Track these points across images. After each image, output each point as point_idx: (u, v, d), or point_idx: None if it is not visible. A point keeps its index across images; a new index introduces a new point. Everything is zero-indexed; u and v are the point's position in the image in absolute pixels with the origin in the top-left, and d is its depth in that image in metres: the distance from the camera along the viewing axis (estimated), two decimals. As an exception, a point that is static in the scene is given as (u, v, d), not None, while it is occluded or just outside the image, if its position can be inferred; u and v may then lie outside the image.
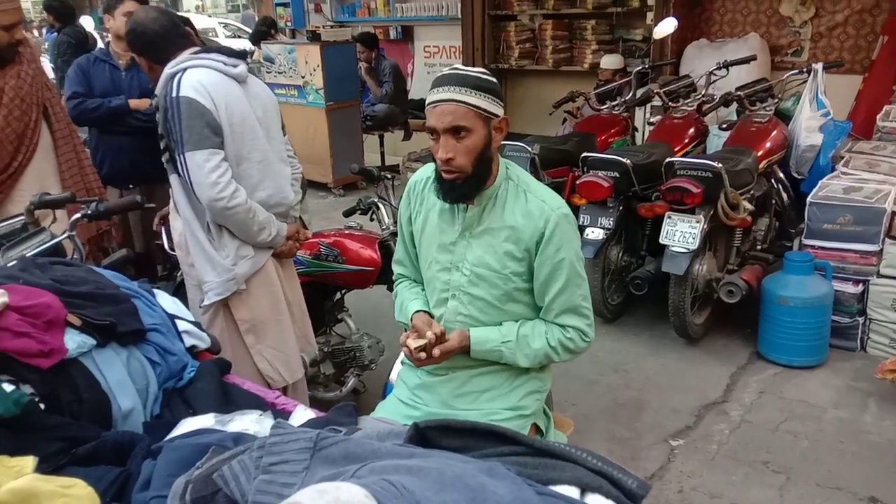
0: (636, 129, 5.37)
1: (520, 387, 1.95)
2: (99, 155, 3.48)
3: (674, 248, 3.55)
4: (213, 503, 1.18)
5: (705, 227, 3.54)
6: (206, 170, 2.19)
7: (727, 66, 4.71)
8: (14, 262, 1.93)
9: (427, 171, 1.96)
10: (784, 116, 4.50)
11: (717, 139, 4.68)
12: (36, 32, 15.81)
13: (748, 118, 4.38)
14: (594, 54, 6.65)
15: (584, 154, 3.99)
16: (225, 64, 2.30)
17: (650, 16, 6.14)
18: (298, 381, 2.65)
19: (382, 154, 7.43)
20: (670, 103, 4.67)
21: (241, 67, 2.35)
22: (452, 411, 1.91)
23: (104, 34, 7.60)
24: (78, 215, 2.42)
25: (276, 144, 2.47)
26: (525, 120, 6.87)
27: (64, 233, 2.36)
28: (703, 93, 4.72)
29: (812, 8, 5.69)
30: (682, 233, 3.54)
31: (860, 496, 2.62)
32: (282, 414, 1.72)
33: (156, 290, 2.06)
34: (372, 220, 3.15)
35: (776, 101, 4.52)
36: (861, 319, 3.60)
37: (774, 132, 4.26)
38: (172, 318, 1.97)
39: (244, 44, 11.16)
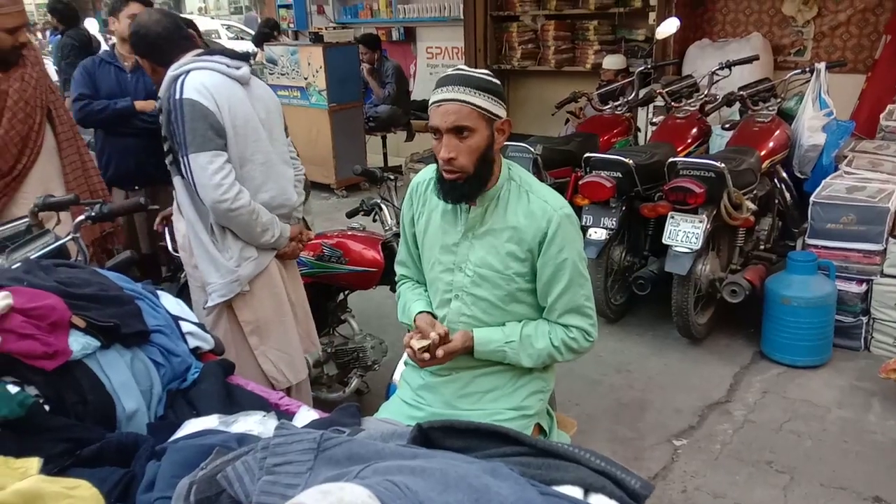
0: (639, 130, 5.37)
1: (523, 387, 1.95)
2: (105, 157, 3.49)
3: (677, 248, 3.55)
4: (217, 504, 1.19)
5: (708, 226, 3.53)
6: (210, 171, 2.20)
7: (730, 65, 4.71)
8: (18, 265, 1.94)
9: (429, 172, 1.97)
10: (787, 116, 4.49)
11: (719, 139, 4.68)
12: (39, 35, 15.86)
13: (751, 118, 4.38)
14: (596, 55, 6.65)
15: (587, 154, 3.99)
16: (228, 66, 2.31)
17: (652, 16, 6.13)
18: (302, 382, 2.66)
19: (385, 155, 7.44)
20: (673, 103, 4.67)
21: (244, 69, 2.36)
22: (456, 412, 1.91)
23: (108, 37, 7.63)
24: (82, 217, 2.42)
25: (278, 146, 2.48)
26: (527, 120, 6.87)
27: (68, 235, 2.37)
28: (705, 93, 4.72)
29: (815, 7, 5.68)
30: (685, 233, 3.54)
31: (864, 496, 2.62)
32: (285, 415, 1.72)
33: (159, 292, 2.07)
34: (375, 221, 3.16)
35: (779, 100, 4.51)
36: (865, 319, 3.59)
37: (777, 132, 4.25)
38: (176, 319, 1.97)
39: (247, 45, 11.18)
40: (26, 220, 2.39)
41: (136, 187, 3.48)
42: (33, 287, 1.69)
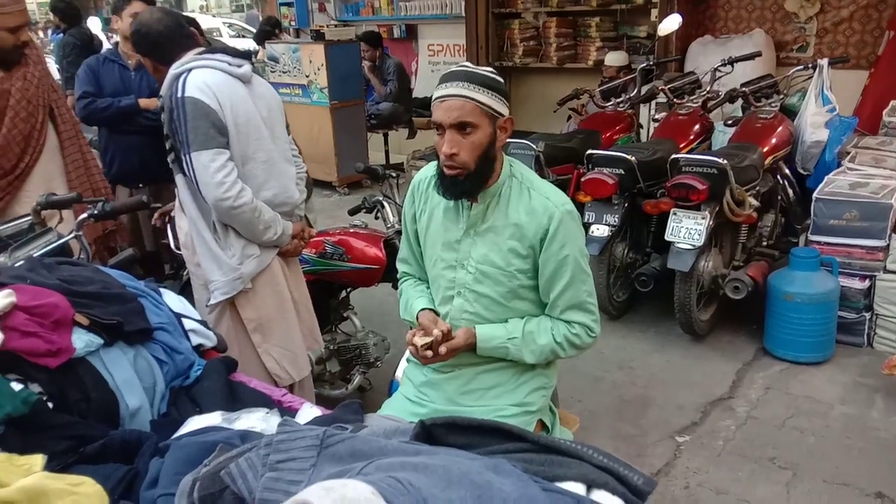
0: (641, 126, 5.36)
1: (526, 383, 1.96)
2: (109, 154, 3.50)
3: (679, 245, 3.55)
4: (220, 501, 1.19)
5: (711, 223, 3.53)
6: (212, 169, 2.20)
7: (732, 62, 4.70)
8: (21, 263, 1.94)
9: (431, 169, 1.97)
10: (789, 112, 4.48)
11: (722, 135, 4.67)
12: (41, 33, 15.87)
13: (753, 114, 4.37)
14: (598, 51, 6.63)
15: (589, 151, 3.99)
16: (230, 64, 2.30)
17: (654, 12, 6.12)
18: (305, 379, 2.66)
19: (387, 152, 7.44)
20: (675, 100, 4.66)
21: (246, 67, 2.36)
22: (458, 408, 1.91)
23: (109, 35, 7.64)
24: (84, 215, 2.43)
25: (280, 144, 2.48)
26: (530, 117, 6.87)
27: (70, 233, 2.37)
28: (707, 89, 4.71)
29: (817, 3, 5.66)
30: (687, 229, 3.53)
31: (867, 492, 2.62)
32: (288, 412, 1.73)
33: (162, 289, 2.07)
34: (377, 218, 3.16)
35: (781, 97, 4.50)
36: (868, 315, 3.59)
37: (780, 128, 4.24)
38: (179, 316, 1.98)
39: (248, 43, 11.18)
40: (29, 218, 2.40)
41: (140, 185, 3.48)
42: (36, 285, 1.70)
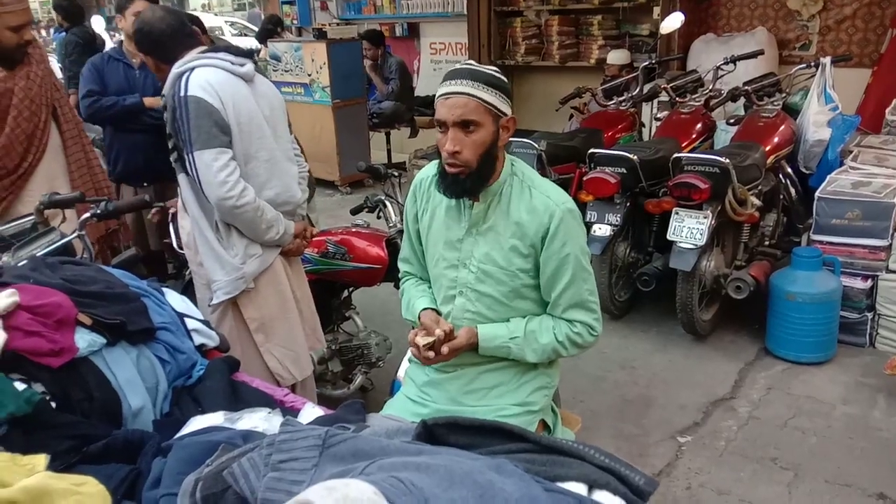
0: (643, 125, 5.35)
1: (528, 383, 1.96)
2: (114, 153, 3.51)
3: (681, 245, 3.54)
4: (222, 500, 1.19)
5: (713, 222, 3.53)
6: (215, 169, 2.20)
7: (734, 60, 4.69)
8: (24, 262, 1.95)
9: (433, 168, 1.97)
10: (792, 111, 4.48)
11: (724, 134, 4.66)
12: (43, 32, 15.89)
13: (756, 113, 4.36)
14: (601, 50, 6.63)
15: (591, 150, 3.99)
16: (232, 63, 2.31)
17: (657, 11, 6.11)
18: (307, 379, 2.66)
19: (389, 151, 7.44)
20: (677, 98, 4.66)
21: (248, 66, 2.36)
22: (461, 408, 1.91)
23: (113, 34, 7.64)
24: (87, 215, 2.43)
25: (283, 143, 2.48)
26: (531, 116, 6.86)
27: (73, 232, 2.38)
28: (710, 88, 4.71)
29: (820, 1, 5.65)
30: (689, 229, 3.53)
31: (869, 492, 2.62)
32: (290, 411, 1.73)
33: (165, 289, 2.07)
34: (379, 217, 3.16)
35: (784, 95, 4.50)
36: (870, 315, 3.59)
37: (782, 127, 4.24)
38: (182, 316, 1.98)
39: (250, 42, 11.18)
40: (32, 217, 2.40)
41: (145, 184, 3.49)
42: (39, 284, 1.70)
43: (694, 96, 4.68)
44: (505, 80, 1.80)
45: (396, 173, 3.19)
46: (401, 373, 2.30)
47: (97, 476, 1.30)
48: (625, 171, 3.79)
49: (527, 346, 1.89)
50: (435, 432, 1.32)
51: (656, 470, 2.79)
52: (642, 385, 3.43)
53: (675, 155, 3.70)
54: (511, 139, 1.88)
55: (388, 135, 7.39)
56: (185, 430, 1.54)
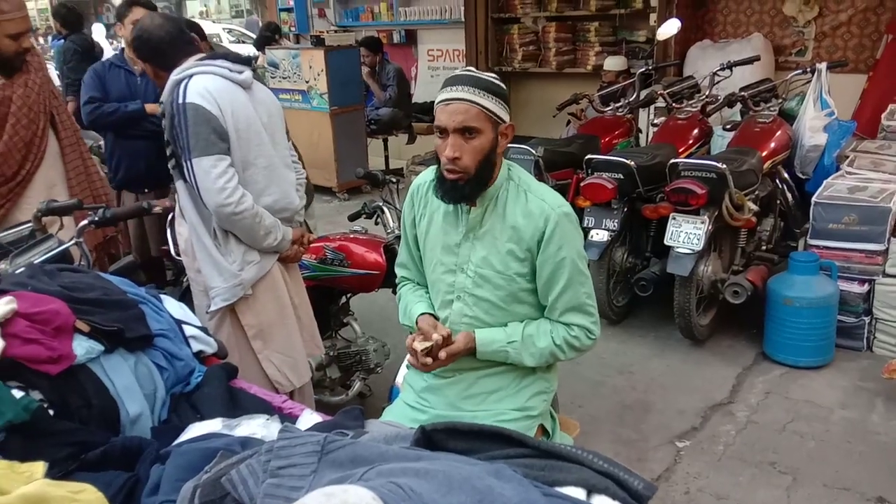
0: (640, 131, 5.37)
1: (527, 387, 1.96)
2: (115, 160, 3.52)
3: (678, 250, 3.55)
4: (221, 507, 1.19)
5: (710, 227, 3.53)
6: (213, 175, 2.21)
7: (731, 66, 4.72)
8: (22, 269, 1.94)
9: (430, 173, 1.97)
10: (788, 116, 4.49)
11: (721, 140, 4.68)
12: (41, 39, 15.91)
13: (752, 119, 4.38)
14: (597, 56, 6.65)
15: (589, 156, 4.00)
16: (230, 70, 2.31)
17: (653, 17, 6.14)
18: (305, 386, 2.66)
19: (387, 158, 7.45)
20: (674, 104, 4.68)
21: (247, 73, 2.36)
22: (460, 413, 1.91)
23: (112, 42, 7.65)
24: (85, 222, 2.43)
25: (280, 150, 2.49)
26: (529, 122, 6.88)
27: (71, 239, 2.37)
28: (706, 94, 4.72)
29: (815, 7, 5.68)
30: (686, 234, 3.54)
31: (868, 496, 2.62)
32: (289, 418, 1.73)
33: (163, 296, 2.07)
34: (377, 223, 3.16)
35: (780, 101, 4.52)
36: (867, 319, 3.59)
37: (779, 132, 4.25)
38: (179, 323, 1.98)
39: (248, 49, 11.20)
40: (30, 224, 2.40)
41: (147, 190, 3.49)
42: (37, 292, 1.70)
43: (690, 102, 4.69)
44: (503, 86, 1.81)
45: (394, 179, 3.19)
46: (399, 379, 2.30)
47: (95, 483, 1.30)
48: (622, 177, 3.80)
49: (524, 350, 1.89)
50: (434, 438, 1.32)
51: (655, 475, 2.79)
52: (640, 390, 3.43)
53: (672, 160, 3.71)
54: (509, 145, 1.89)
55: (385, 141, 7.40)
56: (184, 436, 1.54)
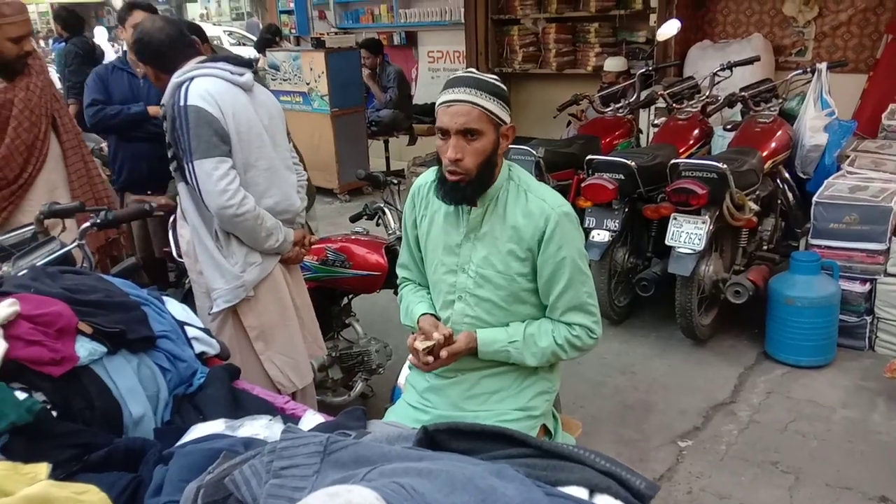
0: (640, 131, 5.37)
1: (529, 387, 1.96)
2: (118, 162, 3.53)
3: (680, 250, 3.55)
4: (224, 508, 1.20)
5: (711, 227, 3.54)
6: (215, 178, 2.21)
7: (731, 66, 4.72)
8: (25, 272, 1.95)
9: (431, 174, 1.97)
10: (789, 116, 4.50)
11: (721, 140, 4.68)
12: (42, 42, 15.93)
13: (753, 119, 4.38)
14: (598, 57, 6.66)
15: (589, 157, 4.00)
16: (231, 72, 2.32)
17: (653, 18, 6.14)
18: (307, 387, 2.66)
19: (387, 159, 7.46)
20: (674, 105, 4.68)
21: (248, 76, 2.37)
22: (462, 413, 1.92)
23: (113, 45, 7.66)
24: (87, 224, 2.44)
25: (281, 152, 2.49)
26: (529, 123, 6.88)
27: (74, 242, 2.38)
28: (707, 94, 4.73)
29: (815, 7, 5.68)
30: (687, 234, 3.54)
31: (870, 496, 2.62)
32: (291, 419, 1.73)
33: (165, 297, 2.08)
34: (378, 225, 3.17)
35: (780, 101, 4.52)
36: (869, 318, 3.59)
37: (779, 132, 4.26)
38: (182, 324, 1.98)
39: (249, 51, 11.22)
40: (32, 227, 2.40)
41: (150, 192, 3.50)
42: (40, 294, 1.70)
43: (691, 102, 4.70)
44: (504, 88, 1.81)
45: (395, 181, 3.20)
46: (401, 379, 2.30)
47: (99, 484, 1.30)
48: (623, 178, 3.80)
49: (526, 350, 1.89)
50: (436, 438, 1.32)
51: (657, 474, 2.79)
52: (642, 390, 3.43)
53: (673, 161, 3.72)
54: (510, 146, 1.89)
55: (386, 143, 7.41)
56: (187, 437, 1.54)
